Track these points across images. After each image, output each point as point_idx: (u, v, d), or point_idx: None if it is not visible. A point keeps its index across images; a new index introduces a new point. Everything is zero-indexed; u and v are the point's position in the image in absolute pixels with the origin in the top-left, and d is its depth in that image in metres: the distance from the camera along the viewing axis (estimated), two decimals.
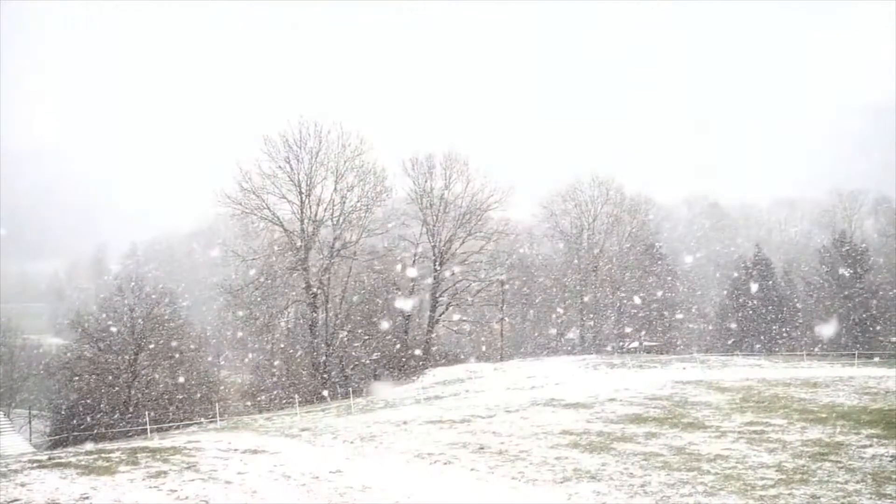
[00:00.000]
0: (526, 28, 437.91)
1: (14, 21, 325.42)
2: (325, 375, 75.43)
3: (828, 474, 21.71)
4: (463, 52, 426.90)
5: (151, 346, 66.47)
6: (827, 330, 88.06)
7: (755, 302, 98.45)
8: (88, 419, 62.05)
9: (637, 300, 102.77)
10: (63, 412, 65.89)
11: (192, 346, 74.97)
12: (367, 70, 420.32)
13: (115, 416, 61.36)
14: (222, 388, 77.71)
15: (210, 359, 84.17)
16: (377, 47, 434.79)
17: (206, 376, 73.78)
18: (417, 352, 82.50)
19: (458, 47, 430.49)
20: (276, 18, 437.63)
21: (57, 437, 61.57)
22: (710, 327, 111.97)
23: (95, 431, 59.34)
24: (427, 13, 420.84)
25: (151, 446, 28.71)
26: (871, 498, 19.21)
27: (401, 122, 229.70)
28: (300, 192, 77.65)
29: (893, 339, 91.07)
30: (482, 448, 27.83)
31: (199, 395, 68.18)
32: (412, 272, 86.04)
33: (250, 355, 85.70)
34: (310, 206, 78.49)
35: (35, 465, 23.32)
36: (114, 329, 67.09)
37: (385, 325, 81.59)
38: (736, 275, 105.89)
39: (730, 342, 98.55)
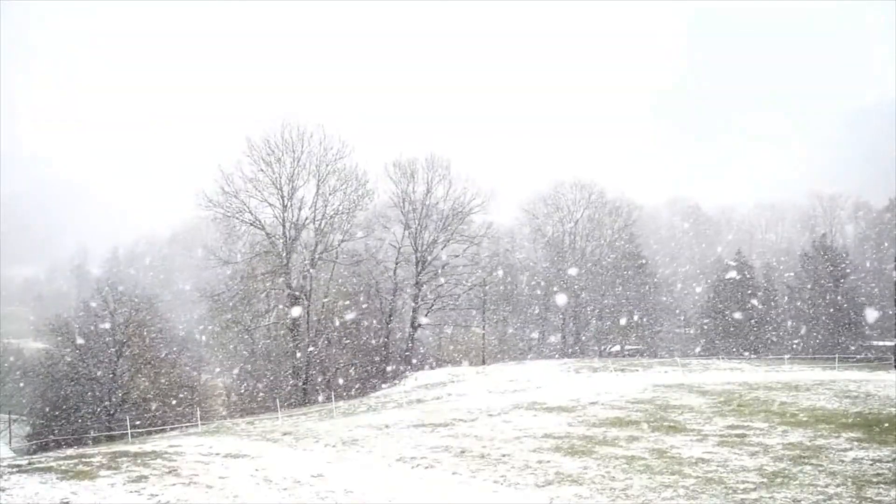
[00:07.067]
0: (509, 30, 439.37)
1: None
2: (306, 379, 75.19)
3: (809, 477, 21.80)
4: (447, 54, 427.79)
5: (132, 350, 66.16)
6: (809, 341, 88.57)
7: (736, 305, 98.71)
8: (69, 424, 61.79)
9: (618, 303, 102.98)
10: (43, 417, 65.53)
11: (173, 351, 74.74)
12: (350, 73, 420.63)
13: (96, 421, 61.12)
14: (204, 392, 77.51)
15: (191, 363, 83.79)
16: (360, 50, 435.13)
17: (188, 380, 73.54)
18: (399, 355, 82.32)
19: (442, 50, 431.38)
20: (258, 20, 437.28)
21: (37, 441, 61.23)
22: (691, 331, 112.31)
23: (76, 436, 59.06)
24: (410, 16, 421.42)
25: (132, 451, 28.58)
26: (851, 501, 19.31)
27: (383, 125, 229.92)
28: (282, 196, 77.26)
29: (874, 343, 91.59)
30: (464, 452, 27.83)
31: (180, 400, 67.98)
32: (394, 276, 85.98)
33: (233, 357, 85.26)
34: (291, 210, 78.13)
35: (15, 469, 23.17)
36: (94, 333, 66.75)
37: (367, 328, 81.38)
38: (717, 278, 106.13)
39: (711, 345, 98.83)
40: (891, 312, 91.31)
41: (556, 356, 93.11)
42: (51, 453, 36.28)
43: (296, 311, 76.27)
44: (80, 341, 66.23)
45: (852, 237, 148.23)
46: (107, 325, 66.63)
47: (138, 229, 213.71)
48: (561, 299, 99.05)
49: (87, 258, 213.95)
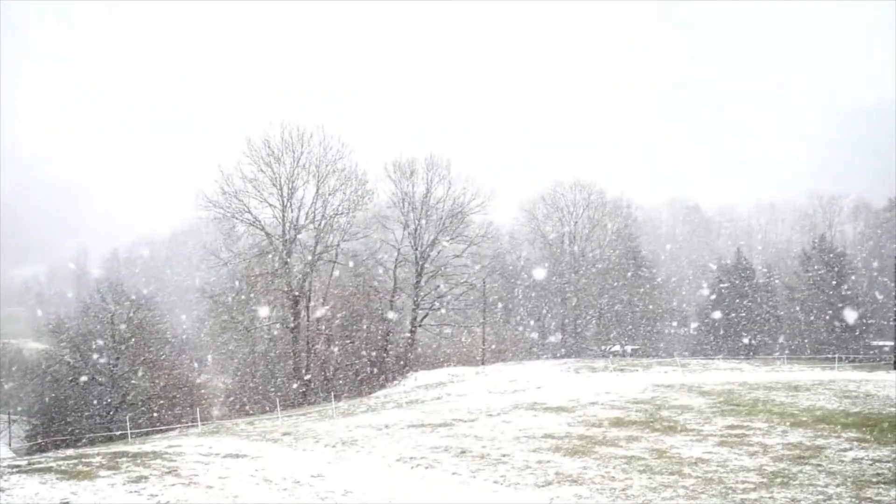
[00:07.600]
0: (509, 31, 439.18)
1: None
2: (306, 379, 75.15)
3: (808, 478, 21.77)
4: (447, 54, 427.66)
5: (131, 350, 66.12)
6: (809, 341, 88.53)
7: (736, 306, 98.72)
8: (68, 424, 61.77)
9: (618, 304, 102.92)
10: (43, 417, 65.54)
11: (172, 351, 74.67)
12: (350, 72, 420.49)
13: (96, 421, 61.12)
14: (203, 392, 77.43)
15: (191, 363, 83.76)
16: (360, 50, 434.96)
17: (187, 381, 73.49)
18: (399, 355, 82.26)
19: (441, 50, 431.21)
20: (258, 20, 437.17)
21: (36, 441, 61.22)
22: (691, 331, 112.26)
23: (75, 436, 59.03)
24: (410, 16, 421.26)
25: (132, 451, 28.57)
26: (851, 501, 19.28)
27: (383, 125, 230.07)
28: (282, 196, 77.21)
29: (874, 343, 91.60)
30: (464, 452, 27.80)
31: (179, 400, 67.94)
32: (394, 276, 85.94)
33: (233, 357, 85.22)
34: (291, 210, 78.10)
35: (14, 470, 23.16)
36: (94, 334, 66.75)
37: (367, 328, 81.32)
38: (717, 279, 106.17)
39: (710, 346, 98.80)
40: (887, 322, 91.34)
41: (556, 356, 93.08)
42: (50, 453, 36.26)
43: (296, 312, 76.19)
44: (79, 342, 66.26)
45: (852, 237, 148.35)
46: (106, 326, 66.66)
47: (138, 229, 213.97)
48: (561, 299, 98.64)
49: (87, 259, 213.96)
